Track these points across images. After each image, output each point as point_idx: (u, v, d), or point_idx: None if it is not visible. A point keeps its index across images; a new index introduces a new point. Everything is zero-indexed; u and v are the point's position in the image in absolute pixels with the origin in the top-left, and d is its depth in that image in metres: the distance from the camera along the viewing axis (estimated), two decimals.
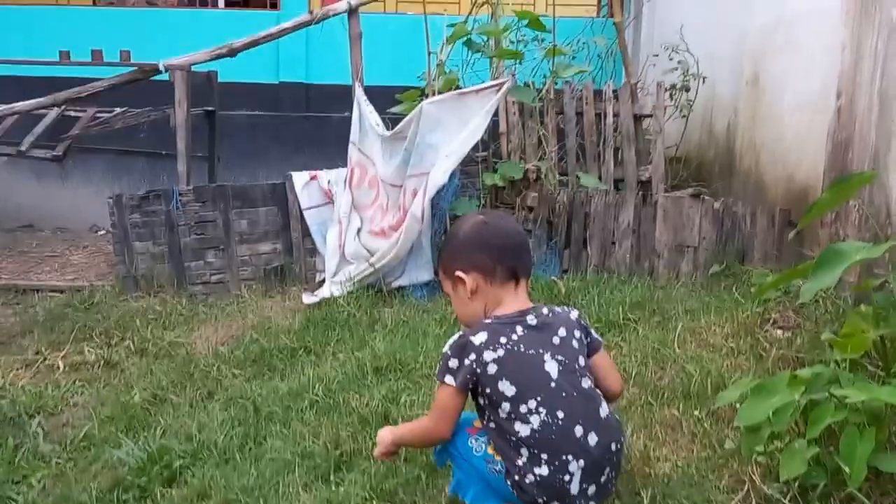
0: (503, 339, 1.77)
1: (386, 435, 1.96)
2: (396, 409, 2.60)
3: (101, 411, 3.19)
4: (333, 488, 2.16)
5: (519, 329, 1.80)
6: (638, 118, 5.02)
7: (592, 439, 1.75)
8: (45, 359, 3.84)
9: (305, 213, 4.75)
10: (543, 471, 1.70)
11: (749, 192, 4.64)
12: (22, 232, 6.63)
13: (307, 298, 4.34)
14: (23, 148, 4.93)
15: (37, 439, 2.96)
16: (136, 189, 4.82)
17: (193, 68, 4.94)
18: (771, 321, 2.94)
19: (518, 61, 4.82)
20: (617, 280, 3.88)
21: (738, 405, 2.02)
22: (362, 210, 4.64)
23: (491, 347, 1.75)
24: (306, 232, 4.77)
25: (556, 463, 1.70)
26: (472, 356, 1.74)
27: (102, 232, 6.27)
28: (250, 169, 6.87)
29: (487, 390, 1.74)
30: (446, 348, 1.80)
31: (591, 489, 1.76)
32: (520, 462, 1.72)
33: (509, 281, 1.86)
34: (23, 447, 2.86)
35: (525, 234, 2.12)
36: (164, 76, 4.87)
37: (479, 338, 1.76)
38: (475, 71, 5.09)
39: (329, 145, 6.73)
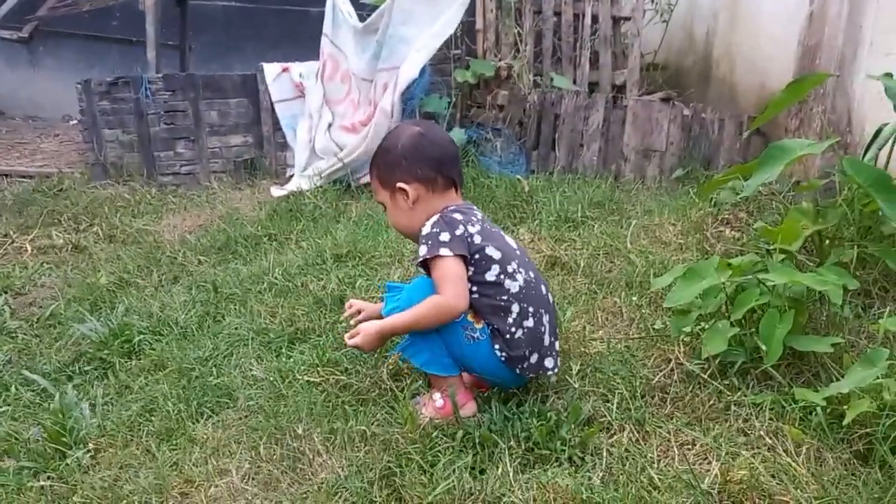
0: (474, 218, 1.91)
1: (370, 327, 1.86)
2: (352, 291, 2.68)
3: (67, 292, 3.25)
4: (284, 360, 2.25)
5: (478, 213, 1.97)
6: (617, 21, 4.94)
7: (550, 297, 1.97)
8: (12, 241, 3.89)
9: (276, 107, 4.72)
10: (530, 322, 1.86)
11: (723, 100, 4.64)
12: None
13: (276, 191, 4.36)
14: None
15: (3, 315, 3.02)
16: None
17: None
18: (723, 221, 3.00)
19: None
20: (582, 181, 3.91)
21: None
22: (334, 105, 4.61)
23: (470, 223, 1.87)
24: (277, 125, 4.75)
25: (538, 315, 1.87)
26: (462, 228, 1.84)
27: (74, 122, 6.19)
28: (226, 64, 6.73)
29: (477, 256, 1.84)
30: (429, 229, 1.85)
31: (556, 343, 1.95)
32: (510, 319, 1.84)
33: (449, 189, 1.96)
34: None
35: (456, 144, 2.18)
36: None
37: (457, 216, 1.87)
38: None
39: (307, 41, 6.56)
